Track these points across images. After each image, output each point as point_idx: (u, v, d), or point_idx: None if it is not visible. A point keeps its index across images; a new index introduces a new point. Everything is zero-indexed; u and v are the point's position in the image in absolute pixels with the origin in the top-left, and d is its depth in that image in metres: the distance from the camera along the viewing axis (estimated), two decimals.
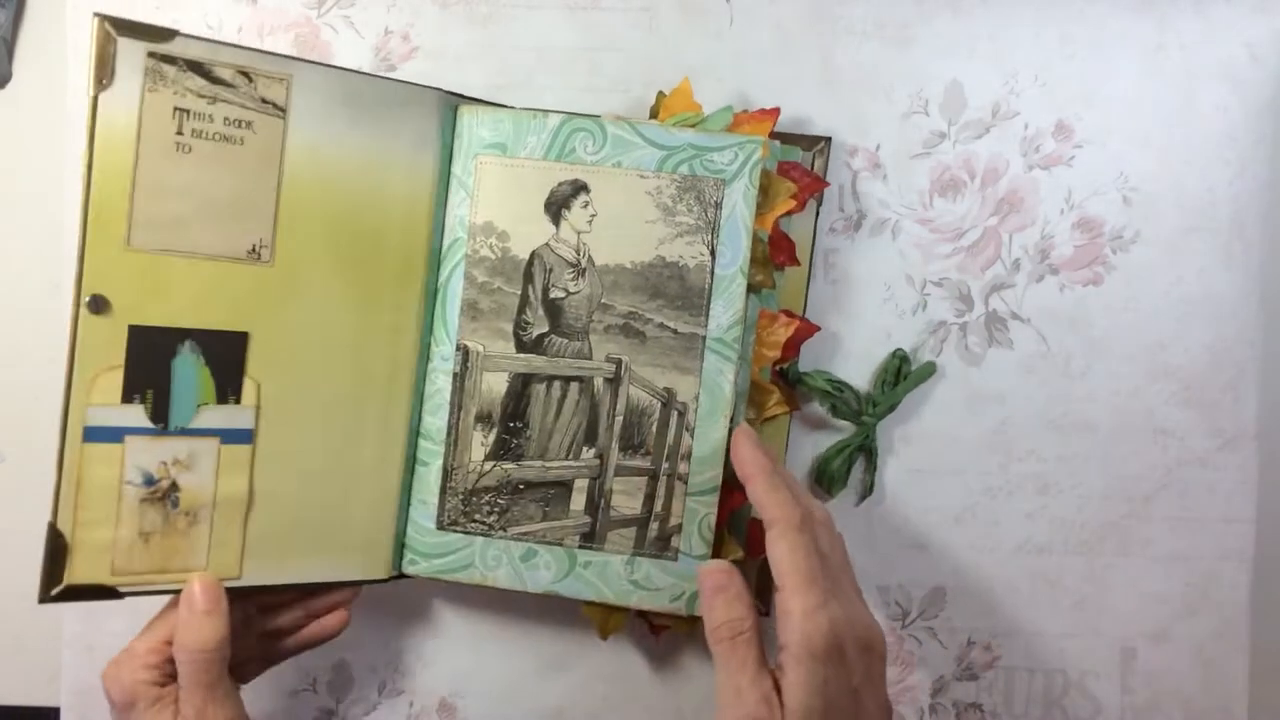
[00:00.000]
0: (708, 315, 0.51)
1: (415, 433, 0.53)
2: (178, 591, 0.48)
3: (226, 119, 0.48)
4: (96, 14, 0.45)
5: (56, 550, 0.47)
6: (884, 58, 0.57)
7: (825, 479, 0.57)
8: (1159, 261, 0.57)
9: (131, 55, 0.46)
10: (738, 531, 0.54)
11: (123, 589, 0.48)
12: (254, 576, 0.50)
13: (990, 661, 0.59)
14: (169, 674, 0.47)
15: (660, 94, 0.55)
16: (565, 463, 0.52)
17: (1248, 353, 0.57)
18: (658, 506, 0.52)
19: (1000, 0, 0.57)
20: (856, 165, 0.57)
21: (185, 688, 0.46)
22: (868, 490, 0.58)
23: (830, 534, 0.46)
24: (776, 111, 0.53)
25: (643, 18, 0.58)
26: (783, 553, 0.43)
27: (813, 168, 0.55)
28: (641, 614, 0.54)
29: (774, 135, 0.53)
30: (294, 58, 0.50)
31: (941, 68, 0.57)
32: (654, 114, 0.55)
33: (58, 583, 0.47)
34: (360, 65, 0.57)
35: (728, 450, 0.51)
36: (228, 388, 0.49)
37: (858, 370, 0.58)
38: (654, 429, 0.52)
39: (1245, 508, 0.58)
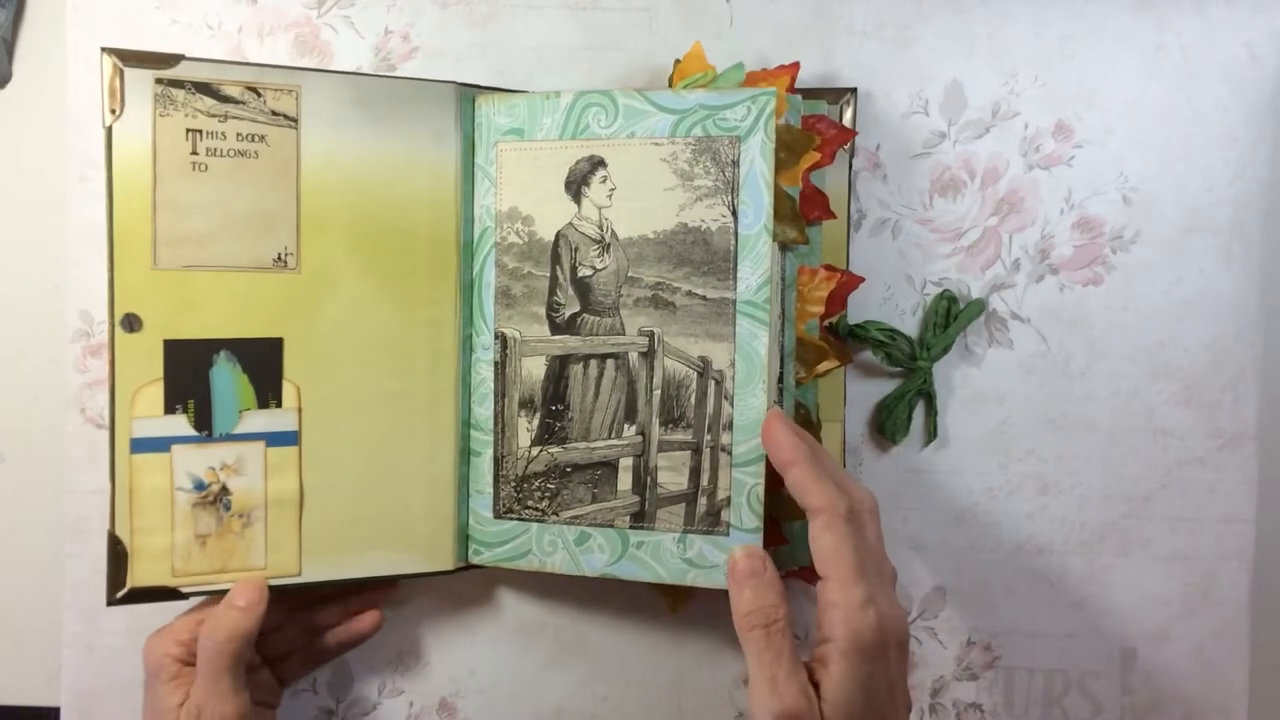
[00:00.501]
0: (736, 278, 0.50)
1: (467, 424, 0.54)
2: None
3: (239, 135, 0.49)
4: (103, 48, 0.47)
5: (117, 556, 0.49)
6: (884, 58, 0.57)
7: (888, 428, 0.57)
8: (1159, 261, 0.57)
9: (140, 84, 0.48)
10: None
11: (185, 589, 0.50)
12: (314, 573, 0.51)
13: (990, 661, 0.59)
14: (194, 654, 0.49)
15: (676, 61, 0.55)
16: (609, 442, 0.52)
17: (1248, 352, 0.57)
18: (704, 480, 0.51)
19: (1000, 0, 0.57)
20: (857, 165, 0.57)
21: (197, 673, 0.48)
22: (932, 434, 0.57)
23: (876, 524, 0.45)
24: (795, 66, 0.53)
25: (643, 18, 0.58)
26: (829, 544, 0.43)
27: (840, 120, 0.55)
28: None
29: (797, 90, 0.53)
30: (301, 68, 0.50)
31: (941, 68, 0.57)
32: (671, 83, 0.55)
33: (121, 586, 0.49)
34: (360, 65, 0.57)
35: (796, 412, 0.50)
36: (268, 392, 0.50)
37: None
38: (693, 400, 0.51)
39: (1245, 508, 0.58)
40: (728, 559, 0.47)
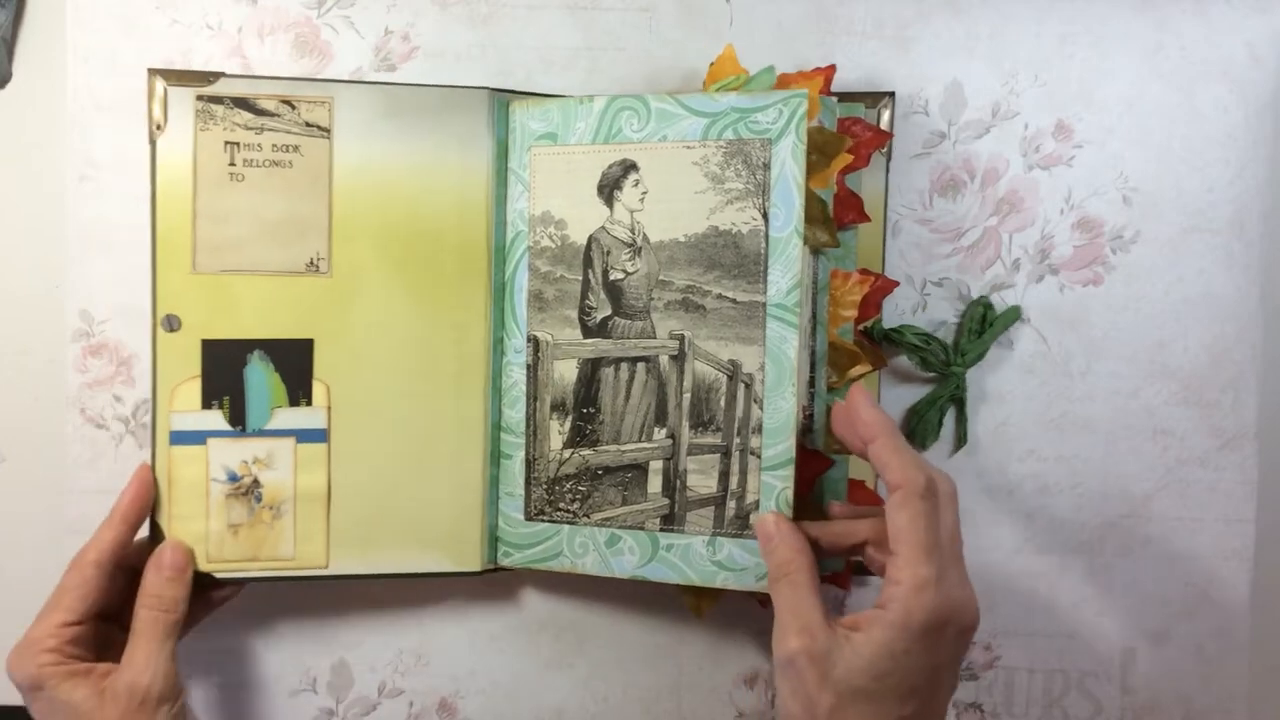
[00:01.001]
0: (766, 281, 0.50)
1: (497, 426, 0.54)
2: (271, 579, 0.53)
3: (275, 145, 0.52)
4: (149, 69, 0.51)
5: (155, 542, 0.52)
6: (884, 58, 0.57)
7: (919, 432, 0.57)
8: (1159, 261, 0.57)
9: (182, 101, 0.51)
10: (835, 495, 0.54)
11: (218, 574, 0.53)
12: (341, 566, 0.53)
13: (990, 661, 0.59)
14: (70, 654, 0.49)
15: (711, 65, 0.55)
16: (639, 445, 0.53)
17: (1247, 352, 0.57)
18: (733, 484, 0.51)
19: (1000, 0, 0.57)
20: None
21: (135, 636, 0.49)
22: (961, 440, 0.57)
23: (953, 506, 0.44)
24: (831, 69, 0.53)
25: (643, 18, 0.58)
26: (903, 521, 0.42)
27: (878, 123, 0.55)
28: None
29: (833, 94, 0.53)
30: (334, 80, 0.53)
31: (941, 68, 0.57)
32: (705, 86, 0.55)
33: None
34: (360, 65, 0.57)
35: (828, 415, 0.50)
36: (299, 391, 0.53)
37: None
38: (722, 404, 0.51)
39: (1245, 508, 0.58)
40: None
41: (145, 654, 0.49)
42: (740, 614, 0.58)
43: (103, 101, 0.57)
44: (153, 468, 0.52)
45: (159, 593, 0.50)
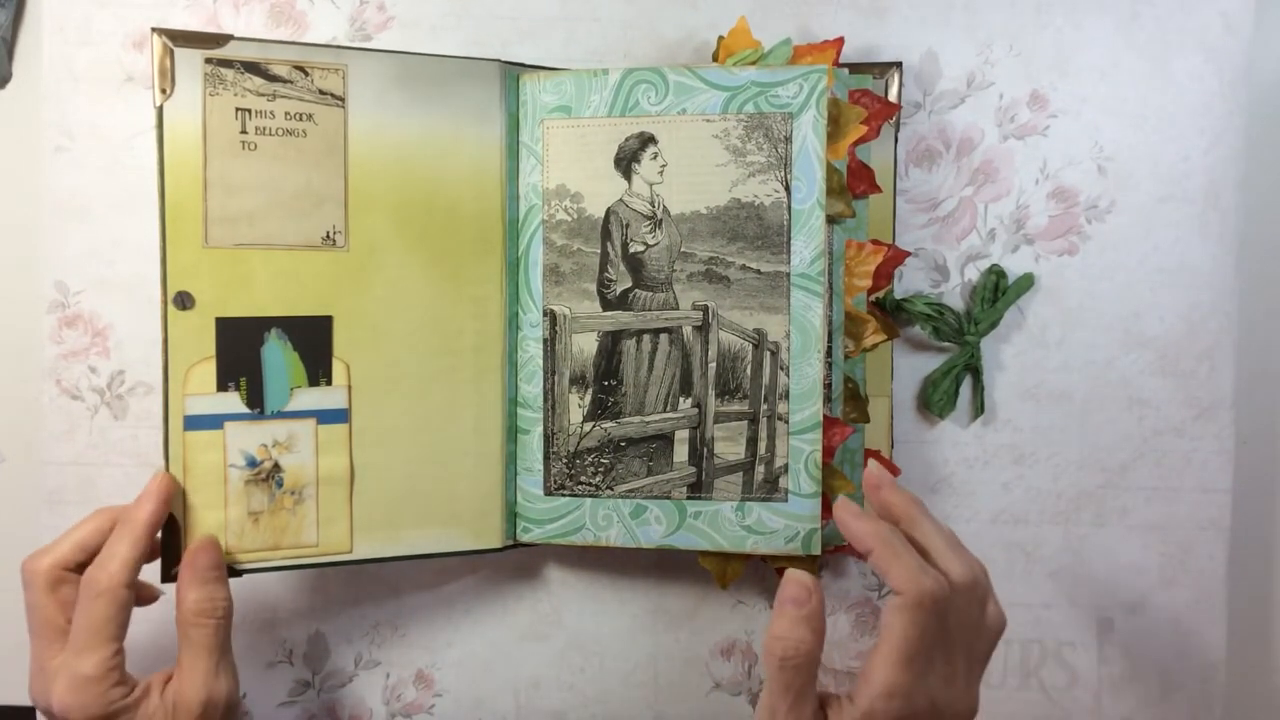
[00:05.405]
0: (789, 252, 0.51)
1: (514, 402, 0.54)
2: (295, 567, 0.51)
3: (288, 114, 0.50)
4: (154, 29, 0.48)
5: (172, 533, 0.49)
6: (858, 27, 0.57)
7: (935, 404, 0.57)
8: (1134, 231, 0.57)
9: (189, 63, 0.48)
10: (853, 463, 0.54)
11: (239, 566, 0.50)
12: (365, 550, 0.52)
13: None
14: (125, 680, 0.47)
15: (720, 38, 0.55)
16: (664, 415, 0.53)
17: (1223, 322, 0.57)
18: (762, 449, 0.52)
19: None
20: None
21: (194, 649, 0.47)
22: (978, 410, 0.57)
23: (969, 600, 0.44)
24: (840, 41, 0.53)
25: None
26: (895, 626, 0.42)
27: (885, 94, 0.55)
28: (764, 558, 0.54)
29: (840, 64, 0.53)
30: (347, 47, 0.52)
31: (916, 38, 0.57)
32: (715, 58, 0.55)
33: (176, 563, 0.49)
34: (335, 35, 0.57)
35: (827, 386, 0.52)
36: (318, 370, 0.51)
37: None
38: (749, 372, 0.52)
39: (1221, 477, 0.58)
40: (783, 579, 0.45)
41: (208, 667, 0.47)
42: (728, 587, 0.58)
43: (78, 71, 0.57)
44: (165, 455, 0.49)
45: (204, 597, 0.47)
